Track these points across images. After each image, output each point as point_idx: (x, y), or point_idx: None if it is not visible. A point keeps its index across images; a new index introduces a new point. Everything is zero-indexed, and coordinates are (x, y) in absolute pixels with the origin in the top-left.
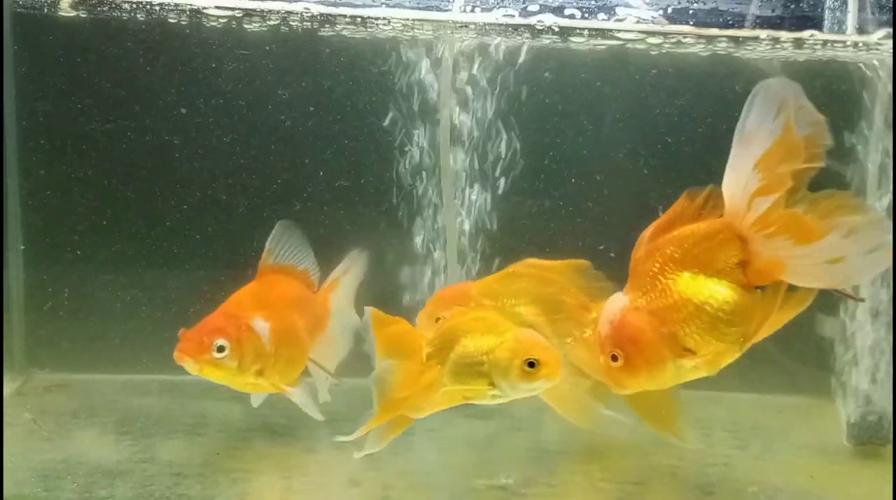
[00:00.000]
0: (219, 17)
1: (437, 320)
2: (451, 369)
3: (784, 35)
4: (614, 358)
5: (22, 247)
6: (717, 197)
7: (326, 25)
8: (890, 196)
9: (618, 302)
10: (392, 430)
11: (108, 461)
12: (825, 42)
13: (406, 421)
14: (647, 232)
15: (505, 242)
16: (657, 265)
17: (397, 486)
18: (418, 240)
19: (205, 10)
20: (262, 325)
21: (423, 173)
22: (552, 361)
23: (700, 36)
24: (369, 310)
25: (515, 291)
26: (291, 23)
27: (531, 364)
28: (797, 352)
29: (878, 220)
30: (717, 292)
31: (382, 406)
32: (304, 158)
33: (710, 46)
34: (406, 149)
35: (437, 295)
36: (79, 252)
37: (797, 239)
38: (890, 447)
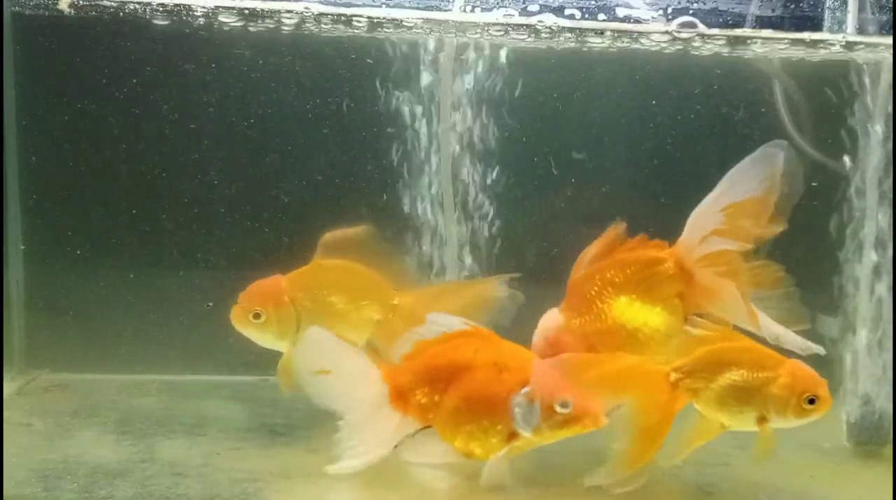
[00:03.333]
0: (219, 16)
1: None
2: (716, 399)
3: (784, 35)
4: None
5: (22, 247)
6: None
7: (326, 25)
8: (890, 196)
9: (553, 320)
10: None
11: (108, 461)
12: (825, 42)
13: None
14: (587, 253)
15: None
16: (595, 288)
17: (397, 486)
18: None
19: (205, 10)
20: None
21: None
22: (827, 396)
23: (700, 36)
24: (564, 358)
25: (325, 281)
26: (293, 23)
27: (811, 401)
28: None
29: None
30: (650, 319)
31: (638, 450)
32: (305, 158)
33: (711, 46)
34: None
35: (249, 289)
36: (79, 252)
37: (745, 287)
38: (890, 447)
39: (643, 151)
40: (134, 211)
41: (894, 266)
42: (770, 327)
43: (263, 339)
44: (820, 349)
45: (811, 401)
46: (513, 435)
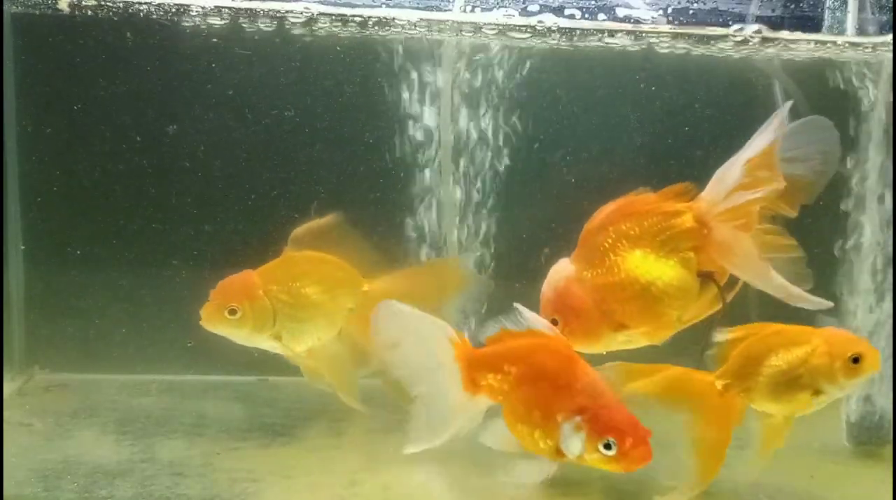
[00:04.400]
0: (219, 16)
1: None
2: (768, 391)
3: (784, 35)
4: (554, 322)
5: (22, 247)
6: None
7: (324, 25)
8: (890, 196)
9: (564, 270)
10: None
11: (108, 461)
12: (825, 42)
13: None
14: (604, 209)
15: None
16: (609, 240)
17: (397, 486)
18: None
19: (205, 10)
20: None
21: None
22: (871, 350)
23: (701, 36)
24: (612, 367)
25: (298, 273)
26: (292, 22)
27: (855, 360)
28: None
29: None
30: (664, 274)
31: (704, 465)
32: (304, 158)
33: (710, 46)
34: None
35: (222, 286)
36: (79, 252)
37: (761, 244)
38: (890, 447)
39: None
40: (134, 211)
41: (894, 266)
42: (781, 284)
43: (239, 335)
44: (829, 304)
45: (855, 360)
46: (560, 452)
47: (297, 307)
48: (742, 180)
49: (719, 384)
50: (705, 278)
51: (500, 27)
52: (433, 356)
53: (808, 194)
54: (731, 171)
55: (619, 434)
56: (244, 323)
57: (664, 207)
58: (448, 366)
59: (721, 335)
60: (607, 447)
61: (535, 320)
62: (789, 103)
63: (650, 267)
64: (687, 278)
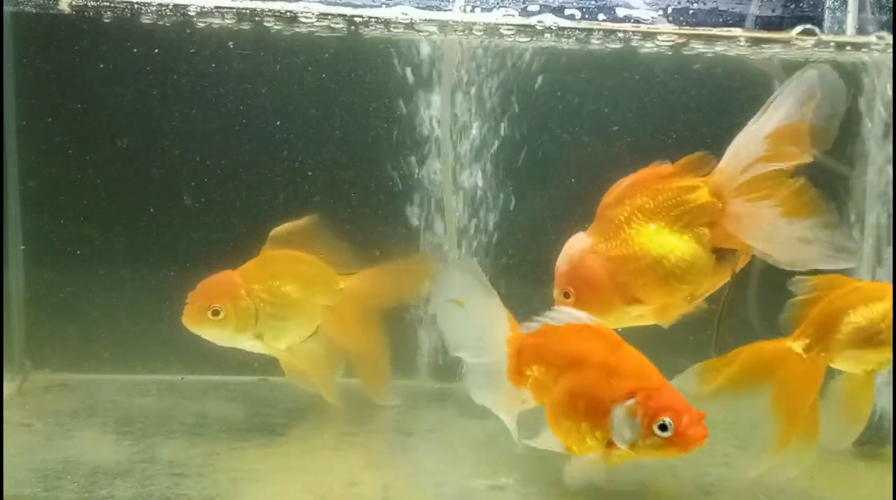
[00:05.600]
0: (219, 16)
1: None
2: (848, 347)
3: (784, 35)
4: (566, 295)
5: (22, 247)
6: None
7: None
8: (890, 195)
9: (579, 243)
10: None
11: (108, 461)
12: (825, 42)
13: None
14: (623, 182)
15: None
16: (625, 214)
17: (397, 486)
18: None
19: (206, 10)
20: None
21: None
22: None
23: (700, 36)
24: (690, 372)
25: (277, 272)
26: (290, 22)
27: None
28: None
29: (849, 227)
30: (677, 248)
31: (793, 433)
32: (305, 158)
33: (710, 46)
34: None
35: (203, 287)
36: (79, 252)
37: (783, 210)
38: (890, 447)
39: None
40: (134, 211)
41: (894, 266)
42: (806, 256)
43: (222, 336)
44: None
45: None
46: (611, 444)
47: (278, 306)
48: (762, 154)
49: (798, 347)
50: (722, 255)
51: (500, 27)
52: (489, 329)
53: (822, 141)
54: (750, 143)
55: (675, 413)
56: (227, 323)
57: (680, 182)
58: (500, 346)
59: (799, 293)
60: (663, 427)
61: (574, 313)
62: (813, 73)
63: (662, 242)
64: (700, 253)
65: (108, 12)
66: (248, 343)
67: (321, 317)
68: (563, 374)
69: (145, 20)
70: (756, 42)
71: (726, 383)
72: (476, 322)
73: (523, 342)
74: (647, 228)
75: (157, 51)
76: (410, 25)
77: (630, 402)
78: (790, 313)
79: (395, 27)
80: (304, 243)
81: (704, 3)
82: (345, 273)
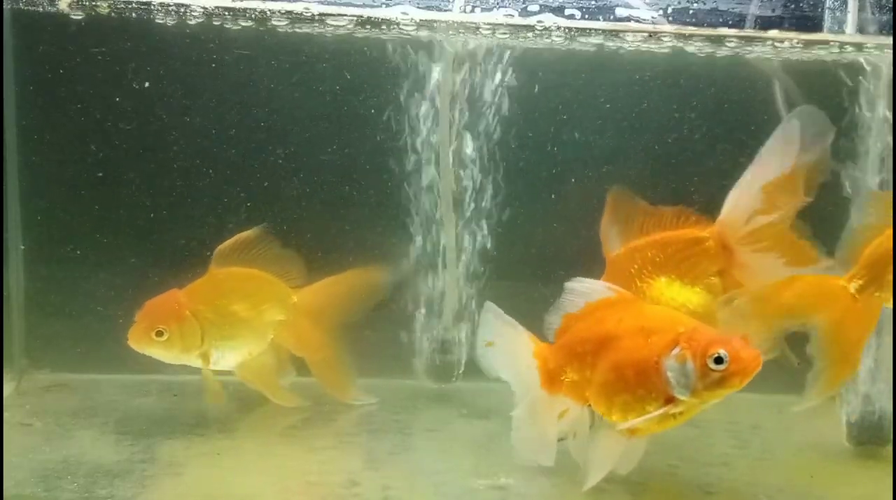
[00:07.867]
0: (220, 16)
1: None
2: None
3: (784, 35)
4: None
5: (22, 247)
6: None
7: (323, 24)
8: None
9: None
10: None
11: (108, 461)
12: (825, 42)
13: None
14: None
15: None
16: (636, 266)
17: (397, 486)
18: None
19: (206, 10)
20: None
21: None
22: None
23: (700, 36)
24: (741, 300)
25: (224, 290)
26: (288, 22)
27: None
28: (798, 352)
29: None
30: (690, 299)
31: (843, 367)
32: (306, 159)
33: (710, 47)
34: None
35: (148, 307)
36: (79, 252)
37: (788, 260)
38: (890, 447)
39: None
40: (134, 211)
41: (894, 265)
42: None
43: (168, 356)
44: None
45: None
46: (669, 400)
47: (225, 326)
48: (760, 205)
49: (853, 287)
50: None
51: (500, 27)
52: (515, 354)
53: (815, 178)
54: (747, 195)
55: (725, 344)
56: (172, 344)
57: (686, 234)
58: (528, 365)
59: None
60: (718, 360)
61: (587, 290)
62: (795, 123)
63: (675, 293)
64: (711, 302)
65: (109, 11)
66: (194, 362)
67: (274, 332)
68: (599, 356)
69: (147, 19)
70: (756, 42)
71: (775, 313)
72: (505, 352)
73: (548, 350)
74: (658, 281)
75: (158, 50)
76: (410, 25)
77: (676, 350)
78: (843, 253)
79: (394, 27)
80: (253, 258)
81: (704, 3)
82: (296, 287)
